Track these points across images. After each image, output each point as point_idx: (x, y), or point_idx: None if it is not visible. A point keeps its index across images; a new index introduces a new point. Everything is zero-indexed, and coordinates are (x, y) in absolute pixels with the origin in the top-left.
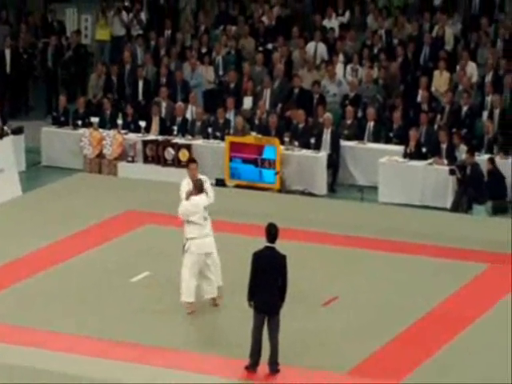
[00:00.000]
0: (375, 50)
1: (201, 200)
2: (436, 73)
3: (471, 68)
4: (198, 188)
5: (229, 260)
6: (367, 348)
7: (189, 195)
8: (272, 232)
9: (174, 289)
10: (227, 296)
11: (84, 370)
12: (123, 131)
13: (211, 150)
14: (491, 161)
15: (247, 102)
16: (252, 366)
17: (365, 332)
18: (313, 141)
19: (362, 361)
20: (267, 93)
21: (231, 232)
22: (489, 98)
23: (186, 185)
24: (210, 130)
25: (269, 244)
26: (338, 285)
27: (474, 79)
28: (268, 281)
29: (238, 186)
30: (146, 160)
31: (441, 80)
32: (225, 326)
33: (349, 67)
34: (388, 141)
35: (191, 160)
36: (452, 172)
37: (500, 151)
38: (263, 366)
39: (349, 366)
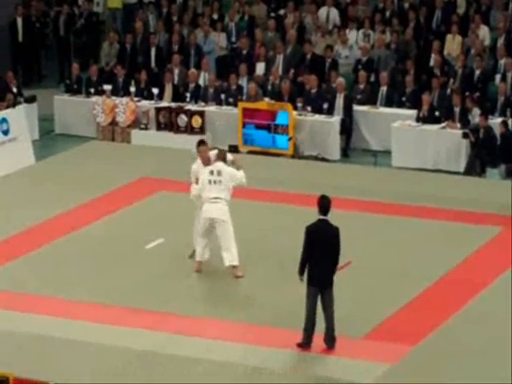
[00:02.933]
0: (387, 15)
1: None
2: (448, 37)
3: (483, 31)
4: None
5: (244, 226)
6: (381, 313)
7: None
8: (324, 204)
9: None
10: (246, 262)
11: (99, 337)
12: (136, 98)
13: (224, 117)
14: (504, 124)
15: (260, 67)
16: (306, 343)
17: (378, 297)
18: (326, 106)
19: (376, 326)
20: (280, 58)
21: (245, 198)
22: (502, 62)
23: (196, 168)
24: (222, 96)
25: (322, 217)
26: (351, 250)
27: (487, 43)
28: (322, 254)
29: (251, 152)
30: (158, 127)
31: (453, 44)
32: (242, 292)
33: (361, 32)
34: (401, 105)
35: (200, 142)
36: (465, 135)
37: None
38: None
39: (363, 331)
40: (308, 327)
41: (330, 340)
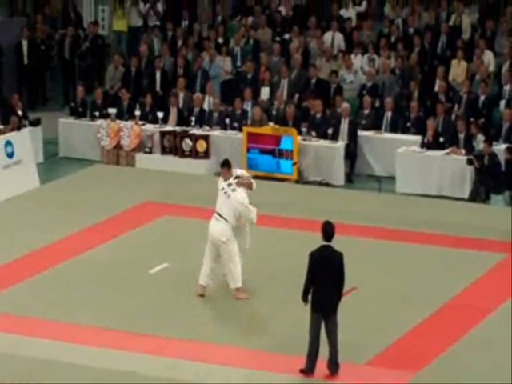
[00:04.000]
0: (392, 40)
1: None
2: (453, 62)
3: (488, 57)
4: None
5: (249, 251)
6: (385, 339)
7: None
8: (328, 230)
9: (192, 280)
10: (250, 287)
11: (102, 361)
12: (141, 122)
13: (229, 141)
14: (509, 150)
15: (264, 92)
16: (309, 369)
17: (383, 323)
18: (330, 131)
19: (380, 352)
20: (284, 83)
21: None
22: (507, 87)
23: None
24: (227, 120)
25: (325, 243)
26: (356, 275)
27: (492, 68)
28: (326, 280)
29: (255, 177)
30: (163, 151)
31: (458, 69)
32: (246, 317)
33: (366, 57)
34: (405, 131)
35: (225, 162)
36: (470, 162)
37: None
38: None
39: (367, 357)
40: (311, 353)
41: (334, 366)
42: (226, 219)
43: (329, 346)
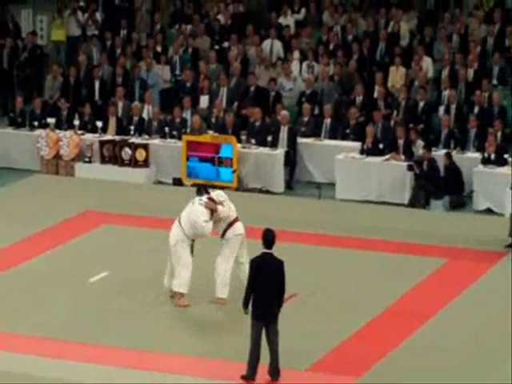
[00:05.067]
0: (331, 47)
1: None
2: (392, 68)
3: (427, 63)
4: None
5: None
6: (326, 345)
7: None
8: (269, 237)
9: (132, 288)
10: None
11: (40, 370)
12: (80, 132)
13: (168, 150)
14: (448, 156)
15: (203, 100)
16: (250, 376)
17: (324, 329)
18: (270, 138)
19: (321, 358)
20: (224, 91)
21: None
22: (445, 93)
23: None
24: (166, 129)
25: (266, 250)
26: (296, 282)
27: (430, 74)
28: (267, 288)
29: (195, 185)
30: (103, 160)
31: (397, 75)
32: (186, 325)
33: (305, 64)
34: (345, 137)
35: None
36: (410, 168)
37: (457, 146)
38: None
39: (308, 362)
40: (252, 360)
41: (275, 372)
42: (182, 225)
43: (270, 353)
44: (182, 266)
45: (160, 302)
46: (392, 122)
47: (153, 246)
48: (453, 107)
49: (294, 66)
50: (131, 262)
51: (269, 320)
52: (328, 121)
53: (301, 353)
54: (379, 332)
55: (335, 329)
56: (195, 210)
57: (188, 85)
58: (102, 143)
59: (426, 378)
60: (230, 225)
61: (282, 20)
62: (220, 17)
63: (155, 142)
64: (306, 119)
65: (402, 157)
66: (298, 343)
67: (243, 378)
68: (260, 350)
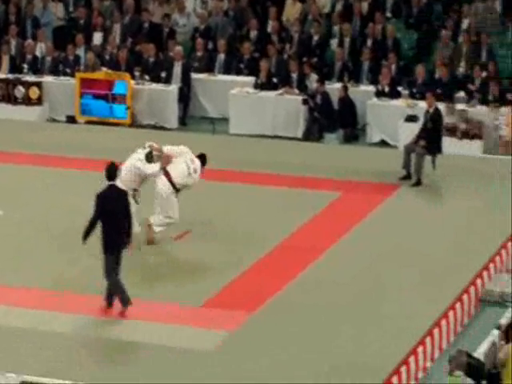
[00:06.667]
0: None
1: None
2: (288, 2)
3: None
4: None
5: (84, 198)
6: (220, 280)
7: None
8: (110, 170)
9: (28, 227)
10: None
11: None
12: None
13: (61, 87)
14: (344, 88)
15: (97, 37)
16: (109, 304)
17: (218, 264)
18: (163, 74)
19: (215, 293)
20: (117, 28)
21: (82, 168)
22: (337, 27)
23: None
24: (60, 66)
25: (109, 182)
26: (189, 218)
27: (327, 9)
28: (115, 219)
29: (89, 122)
30: None
31: (293, 10)
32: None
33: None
34: (239, 72)
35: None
36: (305, 101)
37: (350, 79)
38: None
39: (202, 298)
40: (116, 289)
41: (109, 300)
42: None
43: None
44: None
45: (54, 239)
46: (286, 56)
47: (47, 185)
48: (347, 40)
49: (188, 1)
50: (25, 201)
51: (120, 251)
52: (222, 56)
53: (194, 289)
54: (274, 266)
55: (229, 263)
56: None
57: (81, 22)
58: None
59: (318, 312)
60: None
61: None
62: None
63: (48, 79)
64: (199, 54)
65: (296, 91)
66: (191, 280)
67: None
68: (118, 279)
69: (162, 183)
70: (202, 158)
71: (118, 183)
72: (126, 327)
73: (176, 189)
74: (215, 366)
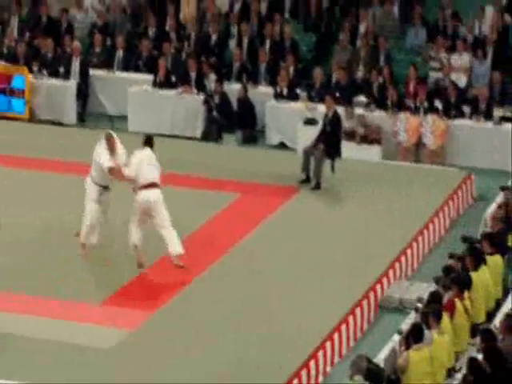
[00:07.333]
0: None
1: None
2: (183, 1)
3: None
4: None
5: None
6: (119, 279)
7: None
8: None
9: None
10: None
11: None
12: None
13: None
14: (244, 89)
15: None
16: None
17: (118, 262)
18: (62, 70)
19: (116, 291)
20: (15, 21)
21: None
22: (236, 27)
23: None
24: None
25: None
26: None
27: (225, 8)
28: None
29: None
30: None
31: (189, 8)
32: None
33: None
34: (137, 69)
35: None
36: (206, 101)
37: (249, 80)
38: None
39: (102, 296)
40: None
41: None
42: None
43: None
44: (85, 219)
45: None
46: (184, 55)
47: None
48: (245, 41)
49: None
50: None
51: None
52: (120, 52)
53: (94, 287)
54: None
55: (128, 263)
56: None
57: None
58: None
59: (219, 310)
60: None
61: None
62: None
63: None
64: (98, 50)
65: (195, 90)
66: (92, 277)
67: None
68: None
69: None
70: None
71: None
72: (22, 322)
73: None
74: (110, 364)
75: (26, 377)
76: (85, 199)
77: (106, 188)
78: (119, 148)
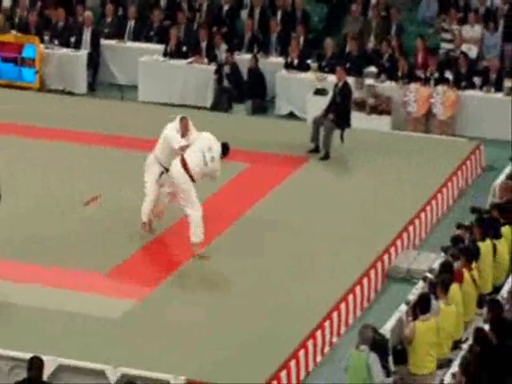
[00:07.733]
0: None
1: None
2: None
3: None
4: None
5: None
6: (129, 249)
7: None
8: None
9: None
10: None
11: None
12: None
13: None
14: (255, 59)
15: (6, 0)
16: None
17: (125, 233)
18: (73, 40)
19: (124, 261)
20: None
21: None
22: None
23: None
24: None
25: None
26: (100, 184)
27: None
28: None
29: None
30: None
31: None
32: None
33: None
34: (148, 39)
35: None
36: (217, 71)
37: (260, 50)
38: None
39: (110, 266)
40: None
41: None
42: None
43: None
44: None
45: None
46: (195, 25)
47: None
48: (257, 11)
49: None
50: None
51: None
52: (132, 23)
53: (101, 256)
54: (182, 236)
55: (136, 233)
56: None
57: None
58: None
59: (227, 282)
60: None
61: None
62: None
63: None
64: (109, 20)
65: (206, 60)
66: (99, 245)
67: None
68: None
69: (177, 172)
70: (224, 147)
71: None
72: (32, 293)
73: (192, 179)
74: (119, 333)
75: (35, 347)
76: (145, 176)
77: (166, 170)
78: (193, 132)
